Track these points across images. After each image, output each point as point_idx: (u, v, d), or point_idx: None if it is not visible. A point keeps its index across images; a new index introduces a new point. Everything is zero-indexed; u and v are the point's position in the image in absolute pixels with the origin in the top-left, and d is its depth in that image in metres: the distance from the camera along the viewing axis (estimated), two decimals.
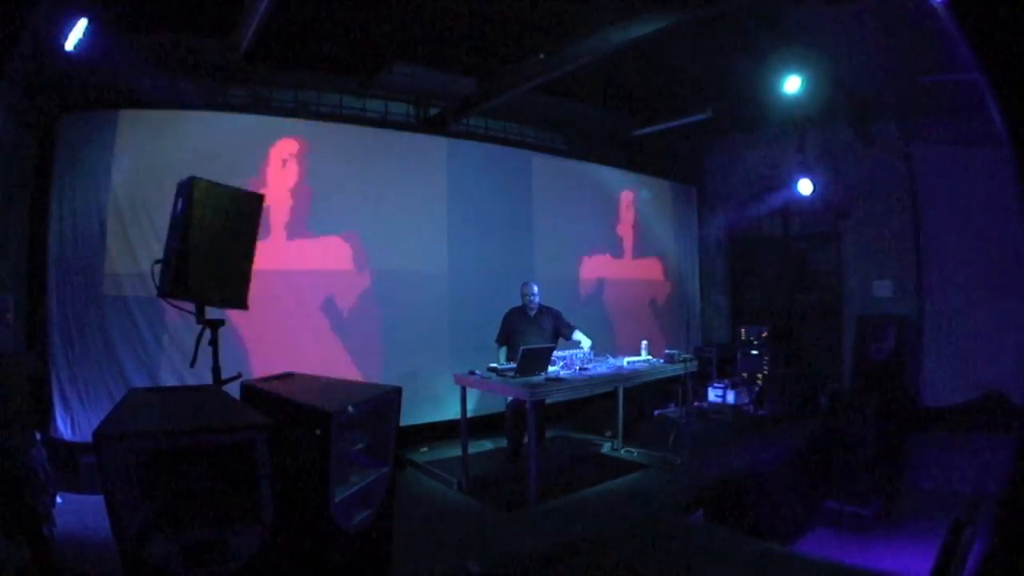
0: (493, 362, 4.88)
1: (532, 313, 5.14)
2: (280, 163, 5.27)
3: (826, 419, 6.41)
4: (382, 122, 5.99)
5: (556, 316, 5.29)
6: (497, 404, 5.26)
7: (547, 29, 4.75)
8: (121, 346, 4.65)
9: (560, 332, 5.27)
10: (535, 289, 5.15)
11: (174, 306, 2.75)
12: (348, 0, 4.37)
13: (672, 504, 4.29)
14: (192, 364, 2.76)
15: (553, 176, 7.05)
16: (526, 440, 5.02)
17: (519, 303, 5.21)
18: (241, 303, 2.86)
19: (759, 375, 7.25)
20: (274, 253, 5.13)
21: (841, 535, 5.26)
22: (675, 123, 6.90)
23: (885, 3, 4.30)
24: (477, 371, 4.69)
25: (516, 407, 5.03)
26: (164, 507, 1.97)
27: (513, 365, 4.53)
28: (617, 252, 7.66)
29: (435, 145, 6.17)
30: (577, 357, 4.96)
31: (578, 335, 5.22)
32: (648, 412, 6.87)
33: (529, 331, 5.08)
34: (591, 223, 7.39)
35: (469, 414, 4.86)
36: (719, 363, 7.61)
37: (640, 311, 7.79)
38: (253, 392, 2.65)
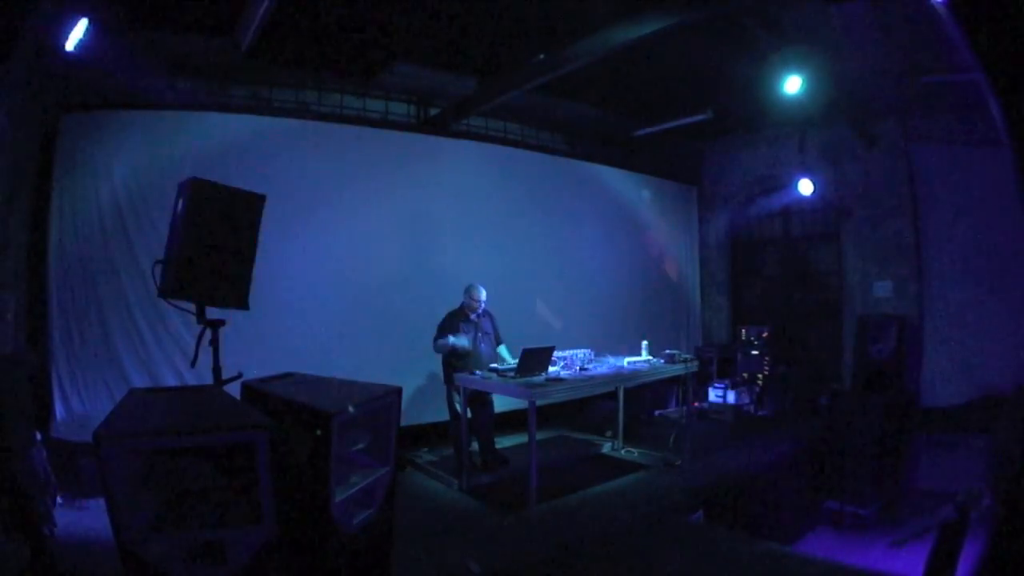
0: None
1: (474, 317, 4.95)
2: (280, 163, 5.26)
3: (826, 419, 6.40)
4: (382, 122, 5.99)
5: (493, 319, 5.13)
6: (500, 404, 5.25)
7: (547, 29, 4.75)
8: (121, 346, 4.64)
9: (498, 336, 5.16)
10: (483, 295, 4.92)
11: (174, 306, 2.76)
12: (349, 0, 4.36)
13: (672, 504, 4.29)
14: (192, 364, 2.77)
15: (553, 176, 7.05)
16: (474, 446, 5.02)
17: (472, 304, 4.94)
18: (241, 303, 2.86)
19: (759, 375, 7.25)
20: (274, 253, 5.12)
21: (841, 535, 5.25)
22: (675, 123, 6.90)
23: (885, 3, 4.30)
24: (478, 371, 4.69)
25: (478, 412, 4.88)
26: (164, 507, 1.97)
27: (513, 365, 4.53)
28: (617, 252, 7.65)
29: (435, 145, 6.16)
30: (577, 357, 4.95)
31: (503, 350, 5.10)
32: (648, 412, 6.87)
33: (474, 334, 4.94)
34: (591, 223, 7.39)
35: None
36: (719, 363, 7.61)
37: (640, 311, 7.79)
38: (253, 392, 2.65)
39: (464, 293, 4.98)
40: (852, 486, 5.51)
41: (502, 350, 5.12)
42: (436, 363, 5.12)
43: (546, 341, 4.94)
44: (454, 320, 4.91)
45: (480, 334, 4.98)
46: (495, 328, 5.14)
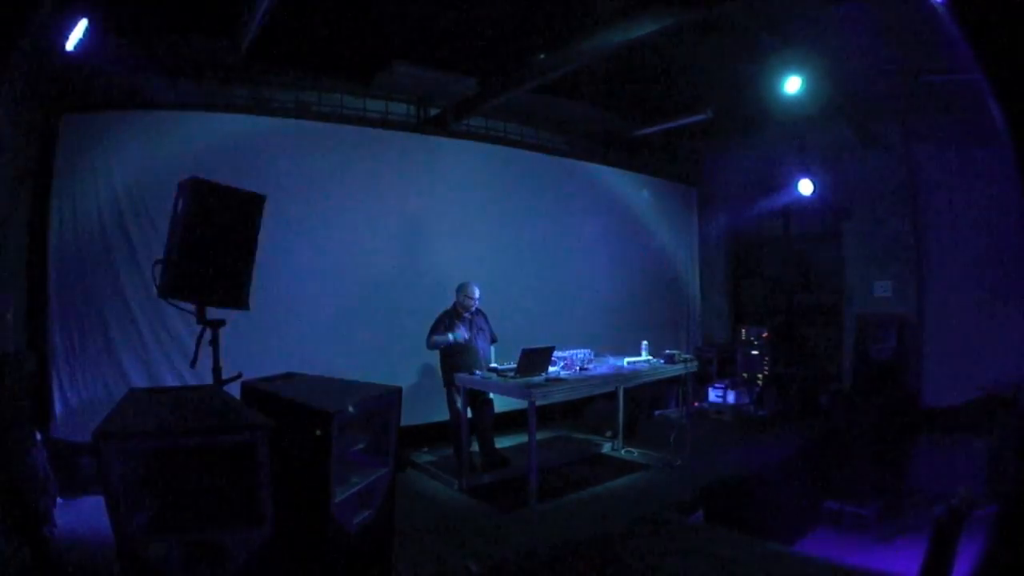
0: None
1: (467, 315, 4.97)
2: (280, 163, 5.26)
3: (826, 419, 6.40)
4: (382, 122, 5.98)
5: (486, 317, 5.16)
6: (500, 404, 5.25)
7: (547, 29, 4.75)
8: (121, 346, 4.64)
9: (492, 334, 5.19)
10: (477, 294, 4.95)
11: (174, 306, 2.75)
12: (349, 0, 4.36)
13: (672, 504, 4.29)
14: (192, 364, 2.77)
15: (553, 176, 7.04)
16: (474, 446, 5.02)
17: (468, 303, 4.97)
18: (242, 303, 2.86)
19: (759, 375, 7.25)
20: (274, 253, 5.11)
21: (841, 535, 5.26)
22: (675, 123, 6.89)
23: (885, 3, 4.30)
24: (477, 371, 4.69)
25: (477, 412, 4.90)
26: (164, 507, 1.97)
27: (513, 365, 4.53)
28: (617, 252, 7.65)
29: (435, 145, 6.17)
30: (577, 357, 4.95)
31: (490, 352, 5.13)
32: (648, 412, 6.86)
33: (470, 331, 4.96)
34: (591, 223, 7.39)
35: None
36: (719, 363, 7.61)
37: (640, 311, 7.79)
38: (253, 392, 2.65)
39: (457, 291, 4.98)
40: (852, 486, 5.51)
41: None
42: (435, 362, 5.12)
43: (544, 341, 4.94)
44: (450, 319, 4.93)
45: (475, 331, 5.00)
46: (489, 326, 5.17)
